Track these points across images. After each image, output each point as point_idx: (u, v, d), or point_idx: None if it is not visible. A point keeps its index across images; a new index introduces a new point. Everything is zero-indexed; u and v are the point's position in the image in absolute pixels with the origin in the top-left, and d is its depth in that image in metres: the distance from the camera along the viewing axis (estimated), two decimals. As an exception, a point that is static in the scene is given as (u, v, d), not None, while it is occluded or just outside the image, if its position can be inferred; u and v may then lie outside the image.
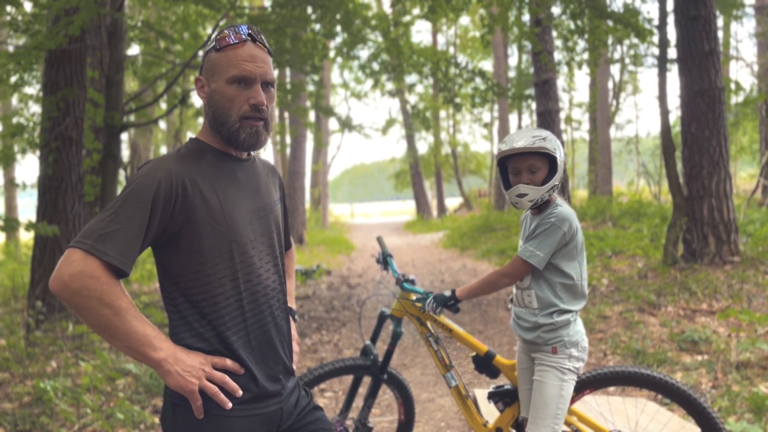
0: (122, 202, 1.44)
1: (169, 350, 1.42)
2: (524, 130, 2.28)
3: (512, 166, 2.28)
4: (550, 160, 2.24)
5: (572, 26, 9.70)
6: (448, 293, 2.47)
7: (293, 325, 1.87)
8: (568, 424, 2.53)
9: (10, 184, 6.71)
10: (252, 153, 1.69)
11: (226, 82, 1.53)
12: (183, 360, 1.43)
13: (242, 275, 1.55)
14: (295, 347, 1.82)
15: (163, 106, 16.34)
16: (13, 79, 7.81)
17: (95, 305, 1.35)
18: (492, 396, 2.57)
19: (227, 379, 1.48)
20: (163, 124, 20.06)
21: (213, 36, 1.58)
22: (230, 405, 1.47)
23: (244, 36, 1.54)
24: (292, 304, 1.91)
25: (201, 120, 22.08)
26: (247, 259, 1.56)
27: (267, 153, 32.62)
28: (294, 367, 1.74)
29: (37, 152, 6.81)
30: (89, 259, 1.36)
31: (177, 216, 1.48)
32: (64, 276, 1.36)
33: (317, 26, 9.80)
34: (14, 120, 8.85)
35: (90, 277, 1.35)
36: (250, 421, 1.53)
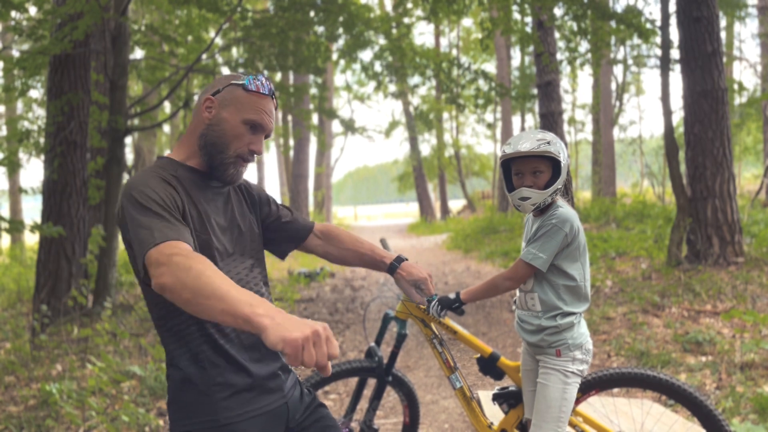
0: (143, 209, 1.42)
1: (268, 307, 1.18)
2: (528, 132, 2.27)
3: (516, 168, 2.28)
4: (554, 163, 2.23)
5: (575, 27, 9.70)
6: (452, 296, 2.47)
7: (415, 265, 2.01)
8: (573, 425, 2.53)
9: (19, 191, 6.74)
10: None
11: (241, 120, 1.59)
12: (288, 317, 1.17)
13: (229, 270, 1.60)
14: (431, 287, 1.98)
15: (167, 110, 16.39)
16: (18, 83, 7.85)
17: (184, 274, 1.25)
18: (497, 397, 2.57)
19: (325, 355, 1.15)
20: (166, 128, 20.11)
21: (242, 75, 1.64)
22: (330, 371, 1.16)
23: (271, 91, 1.63)
24: (391, 255, 2.00)
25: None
26: (230, 265, 1.61)
27: (270, 157, 32.68)
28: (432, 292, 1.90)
29: (42, 157, 6.84)
30: (166, 246, 1.32)
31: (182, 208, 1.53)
32: (156, 269, 1.29)
33: (320, 29, 9.82)
34: (20, 125, 8.89)
35: (177, 255, 1.29)
36: (258, 421, 1.55)
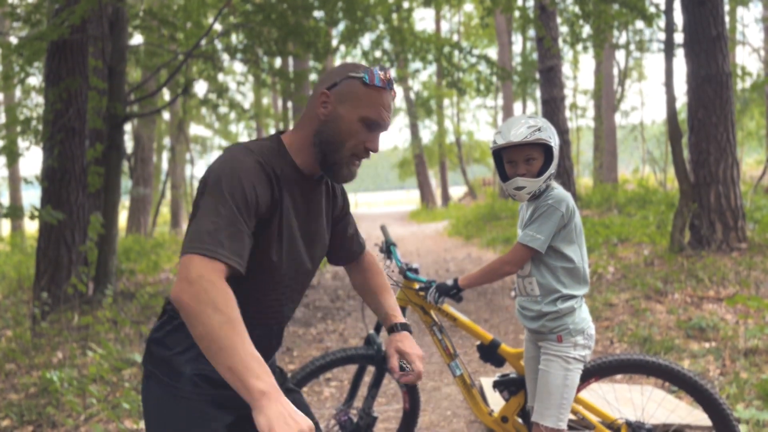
0: (224, 203, 1.36)
1: (273, 387, 1.22)
2: (518, 119, 2.25)
3: (508, 157, 2.26)
4: (545, 149, 2.22)
5: (577, 11, 9.60)
6: (450, 282, 2.45)
7: (413, 340, 1.76)
8: (574, 412, 2.51)
9: (24, 182, 6.71)
10: None
11: (359, 118, 1.51)
12: (285, 404, 1.22)
13: (276, 292, 1.56)
14: (420, 364, 1.71)
15: (166, 96, 16.31)
16: (16, 69, 7.79)
17: (211, 311, 1.24)
18: (497, 385, 2.55)
19: None
20: (166, 115, 20.04)
21: (362, 68, 1.54)
22: None
23: (392, 84, 1.54)
24: (400, 318, 1.80)
25: (204, 110, 22.05)
26: (287, 277, 1.56)
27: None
28: (416, 381, 1.69)
29: (41, 144, 6.80)
30: (207, 263, 1.29)
31: (263, 215, 1.46)
32: (184, 281, 1.27)
33: (319, 14, 9.73)
34: (19, 112, 8.84)
35: (208, 281, 1.27)
36: (217, 402, 1.52)
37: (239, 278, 1.43)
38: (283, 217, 1.50)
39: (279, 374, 1.73)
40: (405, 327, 1.77)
